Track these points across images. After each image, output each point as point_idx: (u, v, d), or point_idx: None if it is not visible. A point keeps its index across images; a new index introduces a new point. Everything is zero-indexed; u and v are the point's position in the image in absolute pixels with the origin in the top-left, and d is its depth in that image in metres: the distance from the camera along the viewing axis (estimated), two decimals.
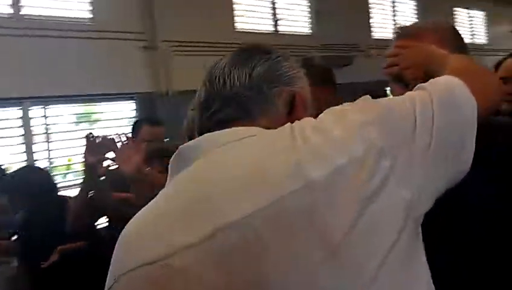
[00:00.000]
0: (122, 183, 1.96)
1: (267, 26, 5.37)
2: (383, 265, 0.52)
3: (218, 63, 0.69)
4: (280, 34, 5.43)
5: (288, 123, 0.61)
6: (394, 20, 6.87)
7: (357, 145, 0.54)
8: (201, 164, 0.60)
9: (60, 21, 3.86)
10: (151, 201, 0.64)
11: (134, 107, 4.35)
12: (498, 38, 8.21)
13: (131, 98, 4.34)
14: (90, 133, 1.73)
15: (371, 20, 6.46)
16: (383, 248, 0.52)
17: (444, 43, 0.90)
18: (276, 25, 5.41)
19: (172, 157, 0.65)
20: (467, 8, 8.06)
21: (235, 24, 5.06)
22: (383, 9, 6.76)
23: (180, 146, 0.65)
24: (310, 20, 5.73)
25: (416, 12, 7.21)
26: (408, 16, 7.12)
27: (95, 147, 1.67)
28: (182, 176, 0.62)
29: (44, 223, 2.06)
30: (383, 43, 6.46)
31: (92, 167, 1.68)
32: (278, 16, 5.44)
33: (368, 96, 0.64)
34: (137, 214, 0.64)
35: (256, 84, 0.65)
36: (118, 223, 1.85)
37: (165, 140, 2.37)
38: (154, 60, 4.42)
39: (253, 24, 5.24)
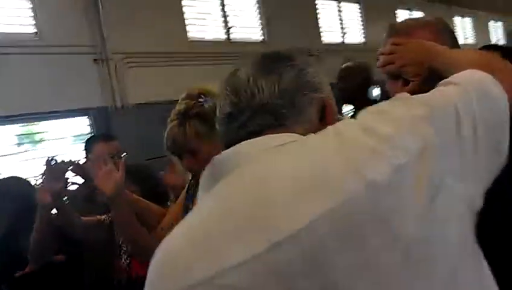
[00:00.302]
0: (85, 204, 1.85)
1: (219, 34, 5.34)
2: (457, 262, 0.51)
3: (237, 73, 0.66)
4: (233, 41, 5.42)
5: (328, 127, 0.59)
6: (341, 24, 7.05)
7: (412, 141, 0.53)
8: (245, 173, 0.57)
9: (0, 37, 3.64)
10: (187, 217, 0.60)
11: (88, 123, 4.17)
12: None
13: (84, 114, 4.15)
14: (51, 158, 1.61)
15: (319, 25, 6.59)
16: (452, 244, 0.52)
17: (437, 39, 0.91)
18: (228, 33, 5.39)
19: (206, 169, 0.62)
20: (408, 10, 8.42)
21: (188, 33, 4.99)
22: (330, 14, 6.91)
23: (215, 157, 0.61)
24: (261, 27, 5.76)
25: (360, 15, 7.43)
26: (353, 18, 7.32)
27: (58, 171, 1.56)
28: (222, 187, 0.58)
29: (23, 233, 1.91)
30: (332, 47, 6.63)
31: (57, 193, 1.57)
32: (230, 24, 5.42)
33: (406, 93, 0.63)
34: (174, 232, 0.60)
35: (287, 93, 0.62)
36: (89, 246, 1.77)
37: (123, 155, 2.28)
38: (107, 73, 4.26)
39: (206, 33, 5.19)
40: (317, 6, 6.61)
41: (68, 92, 3.90)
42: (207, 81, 1.41)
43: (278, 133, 0.60)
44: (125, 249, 1.63)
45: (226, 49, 5.26)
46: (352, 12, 7.34)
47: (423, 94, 0.63)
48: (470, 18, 10.57)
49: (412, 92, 0.74)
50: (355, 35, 7.30)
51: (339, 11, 7.10)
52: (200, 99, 1.31)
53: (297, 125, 0.62)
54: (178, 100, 1.35)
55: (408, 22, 1.03)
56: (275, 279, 0.48)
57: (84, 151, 2.09)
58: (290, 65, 0.64)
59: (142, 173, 1.87)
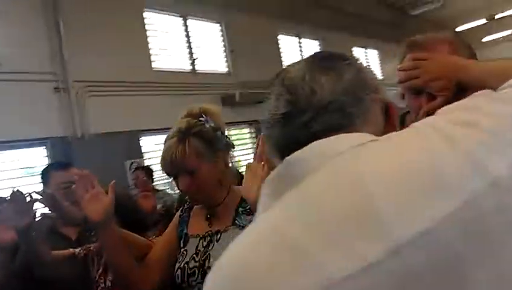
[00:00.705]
0: (51, 237, 1.71)
1: (184, 65, 5.31)
2: None
3: (289, 71, 0.60)
4: (198, 72, 5.40)
5: (412, 124, 0.53)
6: (300, 58, 7.23)
7: None
8: (333, 174, 0.49)
9: None
10: (255, 231, 0.52)
11: (46, 154, 3.95)
12: (390, 74, 9.03)
13: (42, 144, 3.94)
14: (17, 191, 1.46)
15: (282, 59, 6.72)
16: None
17: (456, 54, 0.90)
18: (193, 64, 5.38)
19: (275, 173, 0.55)
20: (363, 47, 8.79)
21: (152, 63, 4.93)
22: (292, 49, 7.08)
23: (286, 159, 0.54)
24: (226, 59, 5.79)
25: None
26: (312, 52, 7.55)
27: (24, 204, 1.42)
28: (304, 190, 0.50)
29: None
30: None
31: (25, 228, 1.42)
32: (195, 55, 5.41)
33: (488, 90, 0.58)
34: (241, 246, 0.52)
35: (350, 91, 0.57)
36: (61, 285, 1.60)
37: (112, 182, 2.19)
38: (67, 101, 4.10)
39: (171, 63, 5.15)
40: (279, 41, 6.76)
41: (27, 121, 3.70)
42: (171, 112, 1.38)
43: (347, 133, 0.54)
44: (102, 285, 1.49)
45: (191, 80, 5.23)
46: (313, 49, 7.57)
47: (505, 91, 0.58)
48: None
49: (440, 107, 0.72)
50: None
51: (300, 46, 7.30)
52: (201, 119, 1.26)
53: (365, 125, 0.56)
54: (142, 130, 1.30)
55: (425, 37, 1.01)
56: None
57: (42, 182, 1.95)
58: (348, 64, 0.59)
59: (120, 201, 1.76)
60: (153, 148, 4.69)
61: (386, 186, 0.45)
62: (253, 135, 5.90)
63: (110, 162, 3.99)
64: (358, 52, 8.54)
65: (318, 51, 0.65)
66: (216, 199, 1.29)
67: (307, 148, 0.54)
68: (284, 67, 0.64)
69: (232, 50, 5.77)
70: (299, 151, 0.54)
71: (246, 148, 5.82)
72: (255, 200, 1.02)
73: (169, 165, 1.22)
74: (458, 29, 10.69)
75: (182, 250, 1.27)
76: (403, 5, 8.99)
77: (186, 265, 1.24)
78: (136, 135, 4.57)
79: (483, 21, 10.09)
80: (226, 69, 5.76)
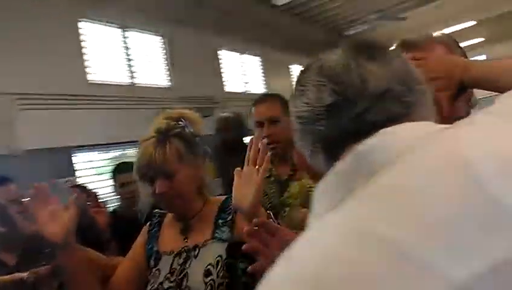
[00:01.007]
0: None
1: (122, 78, 5.14)
2: None
3: (327, 60, 0.56)
4: (137, 86, 5.25)
5: (473, 114, 0.50)
6: (243, 75, 7.28)
7: None
8: (421, 162, 0.41)
9: None
10: (331, 231, 0.41)
11: None
12: None
13: None
14: None
15: (222, 74, 6.72)
16: None
17: (452, 53, 0.91)
18: (132, 77, 5.22)
19: (339, 170, 0.49)
20: (300, 64, 9.03)
21: (87, 76, 4.72)
22: (233, 64, 7.11)
23: (357, 149, 0.48)
24: (167, 72, 5.69)
25: (262, 67, 7.77)
26: (255, 70, 7.63)
27: None
28: (392, 181, 0.41)
29: None
30: (235, 95, 6.77)
31: None
32: (134, 68, 5.26)
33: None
34: (308, 250, 0.41)
35: (403, 80, 0.53)
36: None
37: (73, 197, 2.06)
38: None
39: (108, 76, 4.96)
40: (220, 57, 6.76)
41: None
42: (107, 127, 1.30)
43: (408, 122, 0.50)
44: None
45: (130, 93, 5.07)
46: (254, 64, 7.65)
47: None
48: None
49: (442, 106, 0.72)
50: (256, 85, 7.58)
51: (241, 62, 7.35)
52: (180, 122, 1.19)
53: (423, 116, 0.52)
54: (75, 146, 1.20)
55: (421, 38, 0.99)
56: None
57: None
58: (389, 53, 0.56)
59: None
60: (86, 165, 4.46)
61: (504, 172, 0.37)
62: None
63: (41, 180, 3.73)
64: (295, 69, 8.74)
65: (356, 39, 0.60)
66: (193, 208, 1.21)
67: (379, 136, 0.48)
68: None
69: (173, 64, 5.68)
70: (371, 139, 0.48)
71: None
72: (250, 209, 0.93)
73: (146, 167, 1.13)
74: None
75: (154, 270, 1.17)
76: (338, 25, 9.38)
77: (160, 286, 1.13)
78: (69, 151, 4.32)
79: None
80: (166, 83, 5.65)
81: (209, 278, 1.09)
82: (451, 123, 0.48)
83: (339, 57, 0.56)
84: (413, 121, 0.50)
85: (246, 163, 1.03)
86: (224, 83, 6.71)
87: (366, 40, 0.58)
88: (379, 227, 0.38)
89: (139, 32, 5.40)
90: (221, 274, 1.09)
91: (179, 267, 1.14)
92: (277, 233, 0.86)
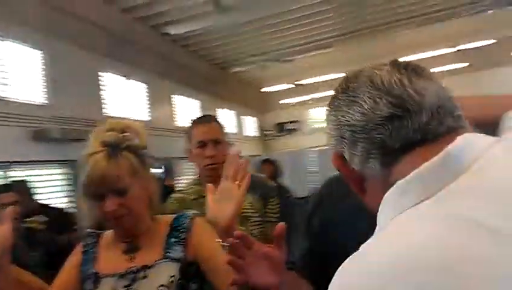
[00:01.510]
0: None
1: None
2: None
3: (375, 76, 0.61)
4: (9, 101, 4.74)
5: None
6: (128, 100, 7.05)
7: None
8: (498, 165, 0.52)
9: None
10: (424, 225, 0.49)
11: None
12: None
13: None
14: None
15: (103, 97, 6.43)
16: None
17: None
18: (3, 91, 4.71)
19: (424, 171, 0.54)
20: (185, 96, 9.09)
21: None
22: (118, 88, 6.86)
23: (448, 149, 0.54)
24: (45, 90, 5.25)
25: (147, 94, 7.62)
26: (141, 97, 7.46)
27: None
28: (468, 182, 0.51)
29: None
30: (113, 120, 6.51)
31: None
32: (7, 81, 4.76)
33: None
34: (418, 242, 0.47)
35: (448, 97, 0.60)
36: None
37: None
38: None
39: None
40: (103, 79, 6.47)
41: None
42: None
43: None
44: None
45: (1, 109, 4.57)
46: (139, 90, 7.47)
47: None
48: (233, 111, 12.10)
49: None
50: (142, 112, 7.39)
51: (125, 87, 7.13)
52: (127, 134, 1.12)
53: (469, 129, 0.59)
54: None
55: None
56: None
57: None
58: (433, 74, 0.63)
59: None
60: None
61: None
62: (68, 177, 5.33)
63: None
64: (178, 99, 8.78)
65: (396, 60, 0.65)
66: (141, 226, 1.14)
67: (460, 141, 0.55)
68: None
69: (53, 81, 5.28)
70: (458, 142, 0.55)
71: (56, 191, 5.21)
72: (229, 223, 0.93)
73: (97, 183, 1.05)
74: (264, 89, 12.04)
75: None
76: (226, 62, 9.75)
77: None
78: None
79: (286, 86, 11.58)
80: (42, 101, 5.22)
81: None
82: None
83: (389, 73, 0.61)
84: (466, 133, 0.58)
85: (224, 179, 1.01)
86: (104, 106, 6.42)
87: (407, 62, 0.65)
88: (487, 218, 0.47)
89: (16, 43, 4.93)
90: None
91: (124, 289, 1.09)
92: (252, 247, 0.88)
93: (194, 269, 1.11)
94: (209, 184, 1.04)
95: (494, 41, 9.70)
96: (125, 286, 1.09)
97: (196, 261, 1.11)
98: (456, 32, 9.29)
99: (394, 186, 0.56)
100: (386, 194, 0.58)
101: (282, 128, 13.58)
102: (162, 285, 1.07)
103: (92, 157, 1.07)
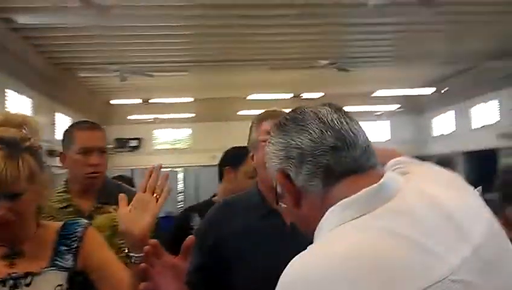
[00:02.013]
0: None
1: None
2: None
3: (319, 112, 0.77)
4: None
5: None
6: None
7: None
8: (416, 194, 0.71)
9: None
10: (367, 233, 0.64)
11: None
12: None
13: None
14: None
15: None
16: None
17: None
18: None
19: (369, 190, 0.69)
20: (16, 92, 8.16)
21: None
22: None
23: (382, 182, 0.71)
24: None
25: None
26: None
27: None
28: (400, 205, 0.68)
29: None
30: None
31: None
32: None
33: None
34: (361, 244, 0.63)
35: (370, 142, 0.77)
36: None
37: None
38: None
39: None
40: None
41: None
42: None
43: (377, 172, 0.75)
44: None
45: None
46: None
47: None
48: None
49: None
50: None
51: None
52: (24, 130, 1.04)
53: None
54: None
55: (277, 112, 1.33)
56: (479, 276, 0.63)
57: None
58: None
59: None
60: None
61: (455, 208, 0.70)
62: None
63: None
64: (11, 94, 7.85)
65: (331, 103, 0.80)
66: (27, 231, 1.05)
67: (389, 177, 0.74)
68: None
69: None
70: (387, 178, 0.73)
71: None
72: (143, 235, 0.95)
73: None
74: (112, 101, 11.54)
75: None
76: (69, 63, 9.07)
77: None
78: None
79: (134, 101, 11.28)
80: None
81: None
82: None
83: (329, 112, 0.77)
84: (379, 169, 0.77)
85: (141, 190, 1.00)
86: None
87: (338, 105, 0.80)
88: (405, 230, 0.64)
89: None
90: None
91: None
92: (162, 257, 0.92)
93: (81, 279, 1.08)
94: (122, 194, 1.03)
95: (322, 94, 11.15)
96: None
97: (84, 271, 1.08)
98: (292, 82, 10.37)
99: (338, 203, 0.70)
100: (331, 208, 0.71)
101: (123, 145, 13.09)
102: None
103: None
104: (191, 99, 11.43)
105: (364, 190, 0.70)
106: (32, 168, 1.01)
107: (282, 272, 1.30)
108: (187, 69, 9.29)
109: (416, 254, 0.62)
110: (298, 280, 0.63)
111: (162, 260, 0.92)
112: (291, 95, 10.65)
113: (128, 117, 12.48)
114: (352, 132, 0.75)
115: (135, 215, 0.98)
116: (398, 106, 12.33)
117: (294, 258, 0.66)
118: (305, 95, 10.73)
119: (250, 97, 11.28)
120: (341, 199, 0.70)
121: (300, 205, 0.76)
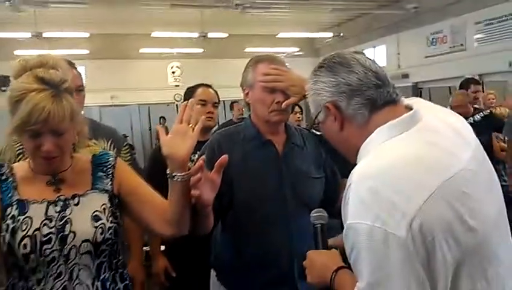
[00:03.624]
0: None
1: None
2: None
3: (357, 58, 0.99)
4: None
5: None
6: None
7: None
8: (430, 118, 0.96)
9: None
10: (403, 144, 0.90)
11: None
12: None
13: None
14: None
15: None
16: None
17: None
18: None
19: (402, 118, 0.93)
20: None
21: None
22: None
23: (414, 110, 0.95)
24: None
25: None
26: None
27: None
28: (424, 128, 0.92)
29: None
30: None
31: None
32: None
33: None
34: (400, 152, 0.89)
35: None
36: None
37: None
38: None
39: None
40: None
41: None
42: None
43: (402, 103, 1.00)
44: None
45: None
46: None
47: None
48: None
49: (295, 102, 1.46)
50: None
51: None
52: (58, 72, 1.13)
53: None
54: None
55: (273, 56, 1.63)
56: (478, 166, 0.93)
57: None
58: None
59: None
60: None
61: (456, 122, 1.01)
62: None
63: None
64: None
65: (357, 51, 1.04)
66: (66, 164, 1.20)
67: (415, 105, 0.98)
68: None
69: None
70: (415, 106, 0.97)
71: None
72: (185, 157, 1.13)
73: (41, 124, 1.06)
74: None
75: (23, 217, 1.11)
76: None
77: (36, 232, 1.10)
78: None
79: (24, 35, 10.35)
80: None
81: (100, 223, 1.17)
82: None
83: (365, 58, 1.01)
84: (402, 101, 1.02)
85: (178, 122, 1.15)
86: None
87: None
88: (434, 140, 0.91)
89: None
90: (110, 219, 1.20)
91: (57, 214, 1.15)
92: (203, 174, 1.15)
93: (117, 201, 1.25)
94: (159, 126, 1.22)
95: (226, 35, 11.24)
96: (57, 212, 1.16)
97: (118, 195, 1.26)
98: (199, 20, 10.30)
99: (385, 124, 0.94)
100: (379, 128, 0.94)
101: (9, 83, 11.98)
102: (96, 210, 1.19)
103: (34, 95, 1.06)
104: (87, 34, 10.74)
105: (405, 115, 0.94)
106: (73, 107, 1.12)
107: (274, 194, 1.58)
108: (86, 1, 8.72)
109: (443, 154, 0.89)
110: (367, 174, 0.88)
111: (204, 174, 1.14)
112: (197, 34, 10.54)
113: (18, 52, 11.46)
114: (384, 73, 0.99)
115: (176, 142, 1.12)
116: (297, 49, 12.86)
117: (359, 163, 0.92)
118: (210, 35, 10.69)
119: (154, 34, 10.95)
120: (382, 124, 0.94)
121: (343, 130, 1.00)
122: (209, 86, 2.31)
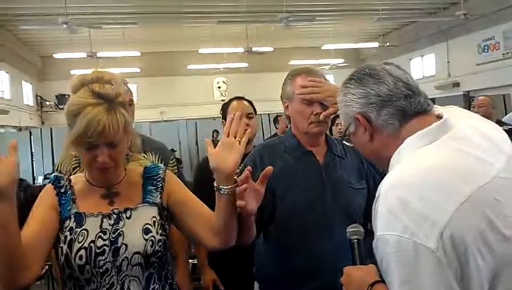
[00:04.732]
0: None
1: None
2: None
3: (386, 69, 0.99)
4: None
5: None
6: None
7: None
8: (461, 127, 0.93)
9: None
10: (436, 151, 0.88)
11: None
12: None
13: None
14: None
15: None
16: None
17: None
18: None
19: (432, 127, 0.92)
20: None
21: None
22: None
23: (445, 119, 0.93)
24: None
25: None
26: None
27: None
28: (453, 138, 0.90)
29: None
30: None
31: None
32: None
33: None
34: (432, 160, 0.87)
35: None
36: None
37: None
38: None
39: None
40: None
41: None
42: None
43: (433, 112, 0.98)
44: None
45: None
46: None
47: None
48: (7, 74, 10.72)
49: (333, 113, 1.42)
50: None
51: None
52: (113, 86, 1.18)
53: None
54: None
55: (312, 68, 1.64)
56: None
57: None
58: None
59: None
60: None
61: (488, 129, 0.97)
62: None
63: None
64: None
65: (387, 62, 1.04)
66: (119, 175, 1.25)
67: (446, 114, 0.95)
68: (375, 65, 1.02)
69: None
70: (445, 115, 0.94)
71: None
72: (232, 169, 1.15)
73: (97, 136, 1.11)
74: (54, 56, 11.07)
75: (79, 230, 1.16)
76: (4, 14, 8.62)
77: (92, 244, 1.15)
78: None
79: (78, 55, 10.92)
80: None
81: (150, 235, 1.20)
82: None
83: (394, 68, 1.01)
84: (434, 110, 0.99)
85: (225, 135, 1.18)
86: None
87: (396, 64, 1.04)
88: (465, 148, 0.88)
89: None
90: (159, 231, 1.22)
91: (111, 227, 1.19)
92: (249, 184, 1.15)
93: (166, 214, 1.29)
94: (208, 140, 1.25)
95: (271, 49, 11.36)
96: (111, 225, 1.20)
97: (168, 207, 1.29)
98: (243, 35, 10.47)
99: (416, 134, 0.93)
100: (410, 138, 0.93)
101: (66, 101, 12.57)
102: (147, 223, 1.21)
103: (91, 109, 1.12)
104: (138, 53, 11.20)
105: (434, 124, 0.92)
106: (126, 120, 1.17)
107: (316, 204, 1.58)
108: (136, 22, 9.10)
109: (476, 163, 0.86)
110: (396, 184, 0.86)
111: (249, 185, 1.14)
112: (242, 49, 10.70)
113: (74, 72, 12.10)
114: (415, 83, 0.98)
115: (223, 155, 1.13)
116: (342, 60, 12.77)
117: (388, 173, 0.91)
118: (255, 49, 10.83)
119: (201, 51, 11.22)
120: (413, 133, 0.92)
121: (373, 140, 0.99)
122: (243, 98, 2.32)
